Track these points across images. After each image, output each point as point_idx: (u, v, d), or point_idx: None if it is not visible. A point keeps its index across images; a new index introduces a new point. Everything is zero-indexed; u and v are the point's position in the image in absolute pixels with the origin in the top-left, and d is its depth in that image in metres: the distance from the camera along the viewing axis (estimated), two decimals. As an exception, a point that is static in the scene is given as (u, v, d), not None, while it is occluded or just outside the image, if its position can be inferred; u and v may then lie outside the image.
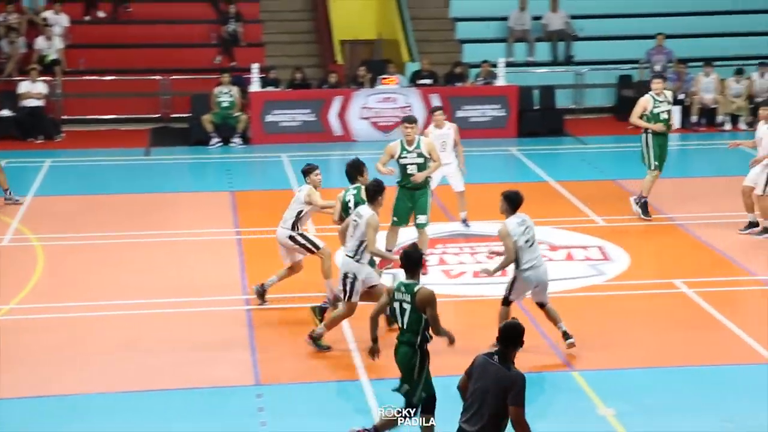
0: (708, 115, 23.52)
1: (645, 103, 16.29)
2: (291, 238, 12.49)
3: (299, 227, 12.54)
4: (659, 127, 16.08)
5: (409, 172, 13.65)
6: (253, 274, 13.87)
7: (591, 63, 25.02)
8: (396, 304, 9.10)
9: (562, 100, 24.41)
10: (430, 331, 9.07)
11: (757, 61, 23.87)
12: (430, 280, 13.63)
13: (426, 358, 9.05)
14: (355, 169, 12.04)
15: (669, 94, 16.48)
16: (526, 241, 10.94)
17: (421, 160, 13.64)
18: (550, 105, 23.83)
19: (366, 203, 11.16)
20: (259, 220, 16.34)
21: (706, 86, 23.42)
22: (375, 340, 9.46)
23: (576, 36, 25.46)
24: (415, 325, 8.99)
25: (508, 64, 23.86)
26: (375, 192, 11.03)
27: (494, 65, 23.42)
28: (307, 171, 12.67)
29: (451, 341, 9.23)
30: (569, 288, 13.53)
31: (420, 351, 9.02)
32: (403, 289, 9.06)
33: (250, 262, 14.56)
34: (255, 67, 22.66)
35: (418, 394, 8.99)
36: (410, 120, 13.79)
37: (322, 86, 23.44)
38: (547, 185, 18.59)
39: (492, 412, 7.70)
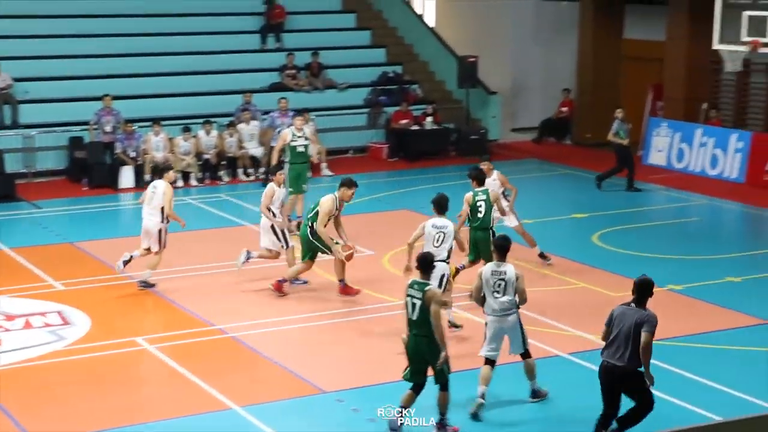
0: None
1: (285, 136, 18.73)
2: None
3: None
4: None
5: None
6: None
7: (40, 126, 24.56)
8: (408, 299, 10.55)
9: (13, 164, 23.69)
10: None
11: (202, 120, 24.91)
12: None
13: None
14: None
15: (308, 129, 18.76)
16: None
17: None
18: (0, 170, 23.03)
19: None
20: None
21: (156, 145, 23.97)
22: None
23: (22, 99, 24.87)
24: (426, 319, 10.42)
25: (-50, 130, 22.77)
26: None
27: (-65, 131, 22.19)
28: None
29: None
30: (29, 357, 13.11)
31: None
32: (416, 286, 10.55)
33: None
34: None
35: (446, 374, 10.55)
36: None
37: None
38: (2, 253, 17.91)
39: (634, 347, 9.61)
